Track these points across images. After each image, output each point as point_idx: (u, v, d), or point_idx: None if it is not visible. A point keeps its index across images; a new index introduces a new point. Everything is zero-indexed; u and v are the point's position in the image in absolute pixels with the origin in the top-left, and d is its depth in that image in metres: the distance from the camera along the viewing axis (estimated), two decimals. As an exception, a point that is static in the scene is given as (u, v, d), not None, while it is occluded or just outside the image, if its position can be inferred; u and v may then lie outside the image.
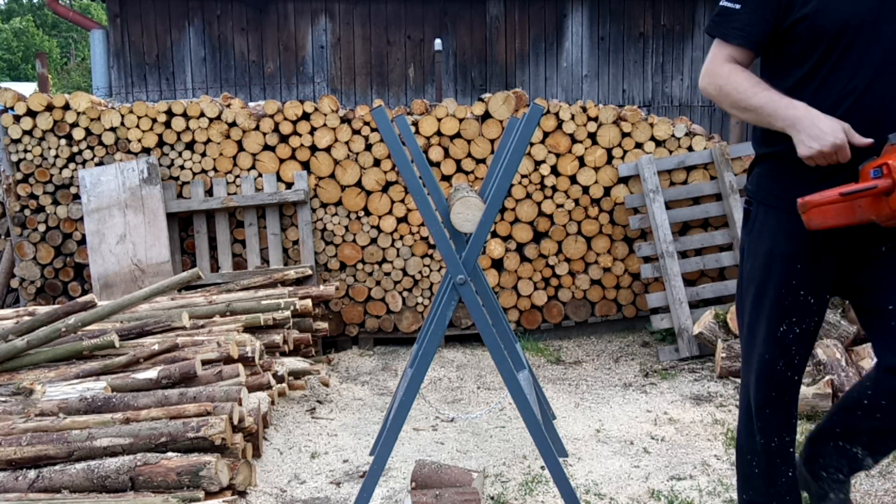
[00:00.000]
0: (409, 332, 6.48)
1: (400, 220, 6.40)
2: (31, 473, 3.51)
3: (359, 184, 6.36)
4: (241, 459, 3.77)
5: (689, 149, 6.43)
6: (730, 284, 6.18)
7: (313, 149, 6.34)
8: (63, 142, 6.24)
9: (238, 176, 6.31)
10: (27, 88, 20.00)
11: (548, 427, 4.12)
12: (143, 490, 3.45)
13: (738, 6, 2.61)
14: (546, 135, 6.35)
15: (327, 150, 6.32)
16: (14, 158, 6.24)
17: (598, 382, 5.58)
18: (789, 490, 2.86)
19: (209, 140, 6.28)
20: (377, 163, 6.32)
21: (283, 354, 5.31)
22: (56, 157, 6.25)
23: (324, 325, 5.99)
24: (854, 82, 2.49)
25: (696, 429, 4.65)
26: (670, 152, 6.42)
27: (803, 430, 4.51)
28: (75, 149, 6.27)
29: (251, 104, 6.79)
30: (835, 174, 2.51)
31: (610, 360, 6.07)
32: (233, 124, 6.29)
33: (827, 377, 4.73)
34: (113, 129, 6.26)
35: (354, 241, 6.41)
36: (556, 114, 6.32)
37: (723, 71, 2.63)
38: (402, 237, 6.41)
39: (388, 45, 10.45)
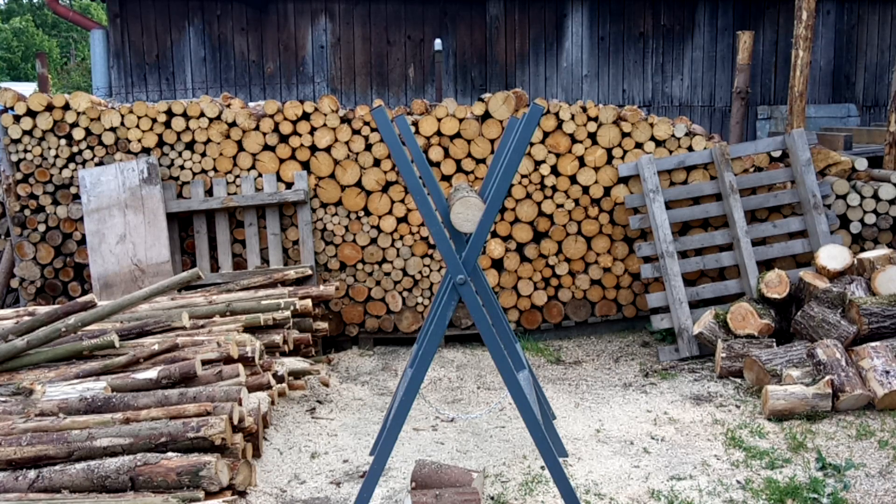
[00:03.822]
0: (409, 332, 6.48)
1: (400, 220, 6.40)
2: (31, 473, 3.51)
3: (359, 184, 6.35)
4: (241, 459, 3.77)
5: (689, 149, 6.43)
6: (730, 284, 6.18)
7: (313, 149, 6.34)
8: (63, 142, 6.24)
9: (238, 176, 6.31)
10: (27, 88, 20.01)
11: (548, 427, 4.12)
12: (143, 490, 3.45)
13: None
14: (546, 135, 6.35)
15: (327, 150, 6.32)
16: (14, 158, 6.24)
17: (598, 382, 5.58)
18: None
19: (209, 140, 6.28)
20: (377, 163, 6.32)
21: (283, 354, 5.31)
22: (56, 157, 6.25)
23: (324, 325, 5.99)
24: None
25: (696, 429, 4.65)
26: (670, 152, 6.42)
27: (803, 430, 4.52)
28: (75, 149, 6.26)
29: (251, 104, 6.79)
30: None
31: (610, 360, 6.07)
32: (233, 124, 6.29)
33: (827, 377, 4.73)
34: (113, 129, 6.26)
35: (354, 241, 6.41)
36: (556, 114, 6.32)
37: None
38: (402, 237, 6.41)
39: (388, 45, 10.45)
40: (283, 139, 6.32)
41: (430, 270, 6.44)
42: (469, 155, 6.31)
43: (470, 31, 10.46)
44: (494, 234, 6.42)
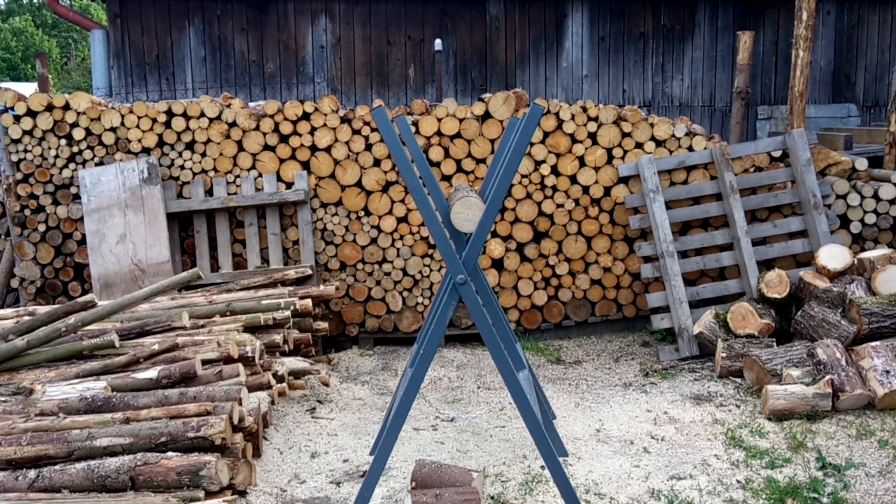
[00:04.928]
0: (409, 331, 6.48)
1: (400, 220, 6.40)
2: (32, 473, 3.51)
3: (359, 184, 6.35)
4: (242, 459, 3.77)
5: (690, 149, 6.43)
6: (730, 284, 6.18)
7: (313, 149, 6.34)
8: (63, 142, 6.24)
9: (238, 176, 6.31)
10: (27, 88, 20.01)
11: (548, 427, 4.12)
12: (143, 490, 3.45)
13: None
14: (546, 135, 6.35)
15: (327, 149, 6.32)
16: (14, 158, 6.24)
17: (598, 382, 5.58)
18: None
19: (209, 140, 6.28)
20: (377, 163, 6.32)
21: (284, 354, 5.30)
22: (56, 157, 6.25)
23: (324, 324, 5.99)
24: None
25: (697, 428, 4.65)
26: (670, 152, 6.42)
27: (804, 429, 4.52)
28: (75, 149, 6.26)
29: (251, 104, 6.79)
30: None
31: (610, 360, 6.07)
32: (233, 124, 6.29)
33: (827, 377, 4.73)
34: (113, 129, 6.26)
35: (354, 240, 6.41)
36: (557, 114, 6.32)
37: None
38: (402, 237, 6.41)
39: (389, 45, 10.45)
40: (284, 139, 6.32)
41: (431, 270, 6.44)
42: (469, 155, 6.31)
43: (470, 31, 10.46)
44: (494, 234, 6.42)
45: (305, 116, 6.29)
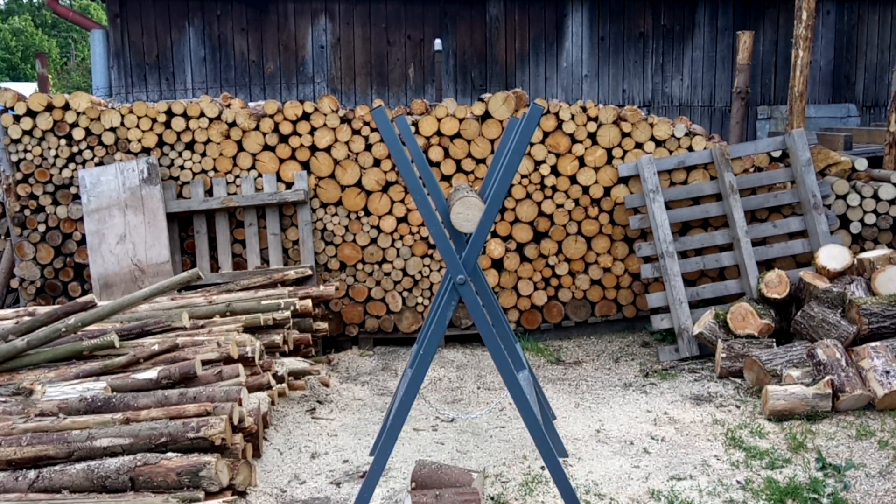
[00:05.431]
0: (409, 332, 6.48)
1: (400, 220, 6.40)
2: (31, 474, 3.52)
3: (359, 184, 6.35)
4: (241, 459, 3.77)
5: (689, 149, 6.43)
6: (730, 284, 6.18)
7: (313, 149, 6.34)
8: (63, 142, 6.23)
9: (238, 176, 6.31)
10: (27, 88, 20.00)
11: (548, 427, 4.12)
12: (143, 490, 3.45)
13: None
14: (546, 135, 6.35)
15: (327, 150, 6.32)
16: (14, 158, 6.24)
17: (598, 382, 5.58)
18: None
19: (209, 140, 6.28)
20: (377, 163, 6.32)
21: (283, 354, 5.30)
22: (56, 157, 6.25)
23: (324, 325, 5.99)
24: None
25: (696, 429, 4.65)
26: (670, 152, 6.42)
27: (803, 430, 4.52)
28: (75, 149, 6.26)
29: (251, 104, 6.79)
30: None
31: (610, 361, 6.07)
32: (233, 124, 6.29)
33: (827, 377, 4.73)
34: (113, 129, 6.25)
35: (354, 241, 6.41)
36: (556, 114, 6.32)
37: None
38: (402, 237, 6.41)
39: (388, 45, 10.45)
40: (283, 139, 6.31)
41: (430, 270, 6.44)
42: (469, 155, 6.31)
43: (470, 31, 10.46)
44: (494, 234, 6.42)
45: (305, 116, 6.29)
